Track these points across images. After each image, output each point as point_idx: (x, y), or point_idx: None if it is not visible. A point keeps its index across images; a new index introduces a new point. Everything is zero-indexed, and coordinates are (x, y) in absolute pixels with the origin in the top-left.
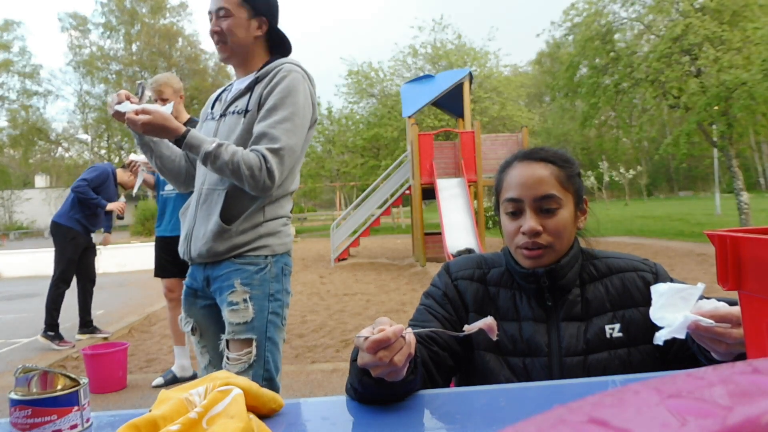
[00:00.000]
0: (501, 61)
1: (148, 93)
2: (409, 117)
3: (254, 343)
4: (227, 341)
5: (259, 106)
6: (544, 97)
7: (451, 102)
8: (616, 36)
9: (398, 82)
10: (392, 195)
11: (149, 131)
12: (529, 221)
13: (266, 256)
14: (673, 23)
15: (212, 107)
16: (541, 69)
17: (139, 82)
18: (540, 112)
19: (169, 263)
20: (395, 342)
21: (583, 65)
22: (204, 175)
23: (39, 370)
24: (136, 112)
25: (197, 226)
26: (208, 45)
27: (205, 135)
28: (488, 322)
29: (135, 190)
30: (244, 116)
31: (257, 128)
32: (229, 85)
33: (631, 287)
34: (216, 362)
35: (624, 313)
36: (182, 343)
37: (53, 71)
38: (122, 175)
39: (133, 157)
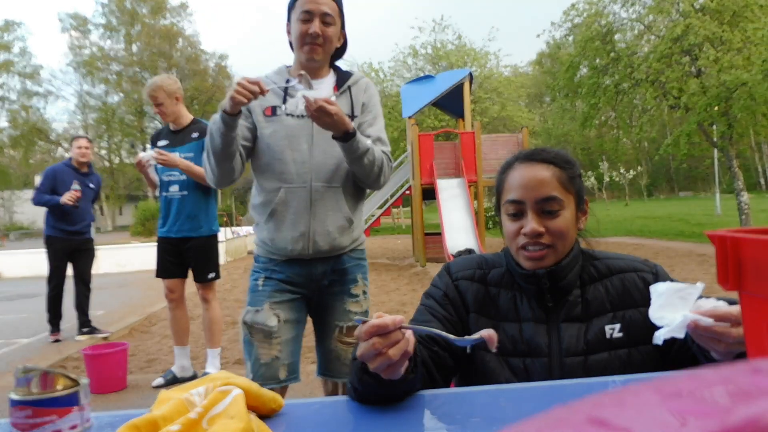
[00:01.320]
0: (501, 62)
1: (313, 86)
2: (410, 117)
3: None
4: (342, 327)
5: (361, 110)
6: (545, 97)
7: (451, 102)
8: (617, 36)
9: (398, 82)
10: (392, 195)
11: (333, 123)
12: (531, 223)
13: (365, 249)
14: (674, 24)
15: (278, 104)
16: (542, 69)
17: (302, 72)
18: (540, 113)
19: (171, 264)
20: (392, 332)
21: (584, 66)
22: (307, 173)
23: (39, 371)
24: (325, 101)
25: (317, 222)
26: (209, 45)
27: (285, 133)
28: (490, 333)
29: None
30: (352, 120)
31: (372, 132)
32: (286, 85)
33: (631, 288)
34: (287, 355)
35: (624, 314)
36: (183, 343)
37: (54, 72)
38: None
39: (142, 155)
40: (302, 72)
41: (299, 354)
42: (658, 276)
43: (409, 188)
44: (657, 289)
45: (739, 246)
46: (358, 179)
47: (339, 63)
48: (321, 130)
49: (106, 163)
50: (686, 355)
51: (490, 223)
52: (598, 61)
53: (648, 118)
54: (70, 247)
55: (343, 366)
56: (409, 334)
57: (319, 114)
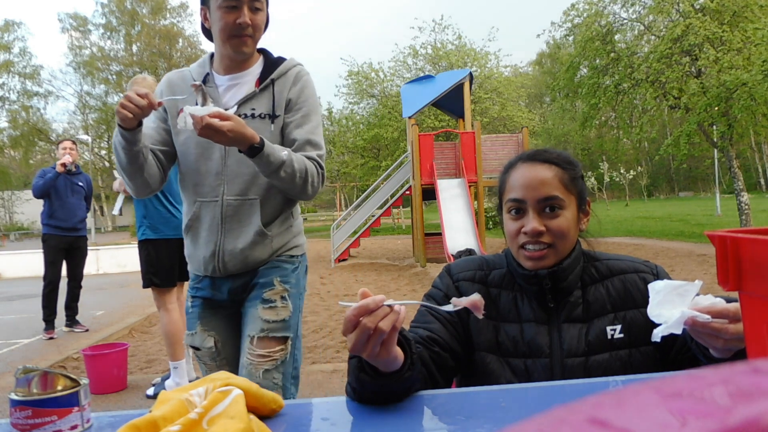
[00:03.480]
0: (501, 62)
1: (209, 98)
2: (410, 117)
3: (289, 342)
4: (252, 338)
5: (286, 108)
6: (545, 97)
7: (451, 102)
8: (617, 36)
9: (398, 82)
10: (392, 195)
11: (229, 139)
12: (532, 222)
13: (298, 256)
14: (674, 24)
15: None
16: (542, 69)
17: (197, 83)
18: (540, 113)
19: None
20: (378, 309)
21: (584, 66)
22: (220, 185)
23: (39, 371)
24: (214, 116)
25: (228, 240)
26: (209, 46)
27: (197, 141)
28: (474, 299)
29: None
30: (273, 121)
31: (299, 134)
32: (206, 77)
33: (632, 288)
34: (238, 370)
35: (625, 315)
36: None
37: (54, 72)
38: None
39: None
40: (197, 83)
41: None
42: (659, 277)
43: (409, 188)
44: (655, 287)
45: (739, 246)
46: (281, 190)
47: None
48: None
49: (106, 163)
50: (686, 355)
51: (491, 223)
52: (598, 61)
53: (648, 119)
54: (65, 244)
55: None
56: (398, 307)
57: (207, 132)
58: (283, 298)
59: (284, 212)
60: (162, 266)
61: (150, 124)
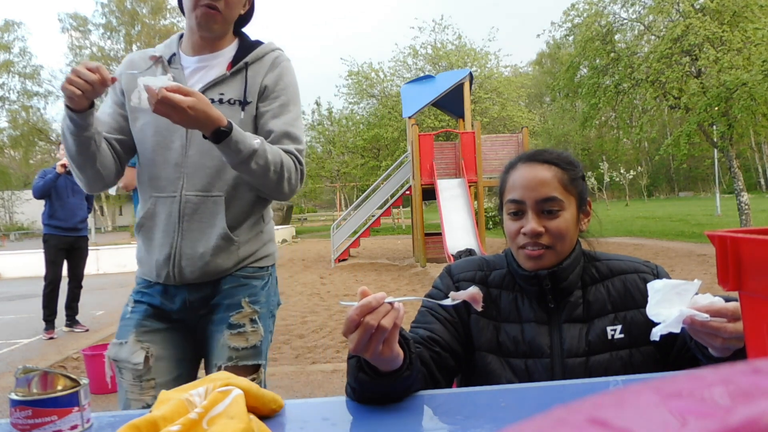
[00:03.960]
0: (501, 62)
1: (169, 72)
2: (410, 117)
3: (261, 370)
4: (219, 368)
5: (260, 96)
6: (545, 97)
7: (451, 102)
8: (617, 36)
9: (398, 82)
10: (392, 195)
11: (190, 119)
12: (531, 222)
13: (268, 267)
14: (674, 24)
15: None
16: (542, 69)
17: (156, 54)
18: (540, 113)
19: None
20: (380, 306)
21: (584, 66)
22: (180, 179)
23: (39, 371)
24: (173, 90)
25: (187, 242)
26: None
27: (155, 127)
28: (473, 292)
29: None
30: (243, 108)
31: (276, 125)
32: (171, 58)
33: (632, 289)
34: None
35: (625, 315)
36: None
37: (54, 72)
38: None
39: None
40: (157, 54)
41: None
42: (659, 277)
43: (409, 188)
44: (654, 286)
45: (739, 246)
46: (253, 187)
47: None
48: None
49: None
50: (687, 355)
51: (491, 223)
52: (598, 61)
53: (648, 119)
54: (65, 244)
55: None
56: (397, 305)
57: (163, 108)
58: (252, 321)
59: (254, 214)
60: None
61: (106, 109)
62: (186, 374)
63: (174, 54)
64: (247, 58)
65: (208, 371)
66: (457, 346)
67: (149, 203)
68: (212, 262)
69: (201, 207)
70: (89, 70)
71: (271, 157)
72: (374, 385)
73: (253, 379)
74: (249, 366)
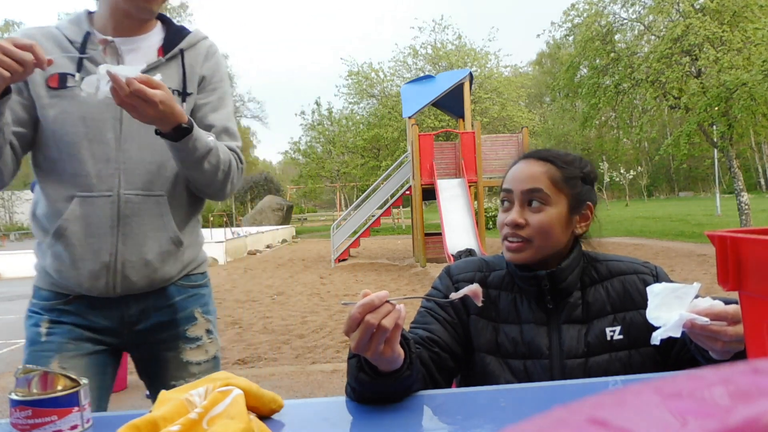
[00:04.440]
0: (501, 62)
1: (124, 59)
2: (410, 117)
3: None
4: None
5: (198, 87)
6: (545, 97)
7: (451, 102)
8: (617, 36)
9: (398, 82)
10: (392, 195)
11: (158, 114)
12: (513, 213)
13: (206, 272)
14: (674, 24)
15: (70, 72)
16: (542, 69)
17: (107, 38)
18: (540, 113)
19: None
20: (381, 306)
21: (584, 66)
22: (114, 175)
23: (39, 371)
24: (142, 83)
25: (128, 249)
26: None
27: (80, 115)
28: (473, 288)
29: None
30: (184, 99)
31: (216, 120)
32: (82, 56)
33: (631, 290)
34: None
35: (625, 316)
36: None
37: None
38: None
39: None
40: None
41: None
42: (659, 278)
43: (409, 188)
44: (653, 290)
45: (739, 246)
46: (193, 186)
47: None
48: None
49: None
50: (687, 357)
51: (490, 223)
52: (598, 61)
53: (648, 119)
54: None
55: None
56: (399, 306)
57: (134, 102)
58: (208, 332)
59: (194, 216)
60: None
61: None
62: (104, 407)
63: (89, 33)
64: (182, 45)
65: (155, 394)
66: (457, 347)
67: (71, 204)
68: (161, 269)
69: (143, 207)
70: (20, 47)
71: (222, 155)
72: (374, 385)
73: None
74: None
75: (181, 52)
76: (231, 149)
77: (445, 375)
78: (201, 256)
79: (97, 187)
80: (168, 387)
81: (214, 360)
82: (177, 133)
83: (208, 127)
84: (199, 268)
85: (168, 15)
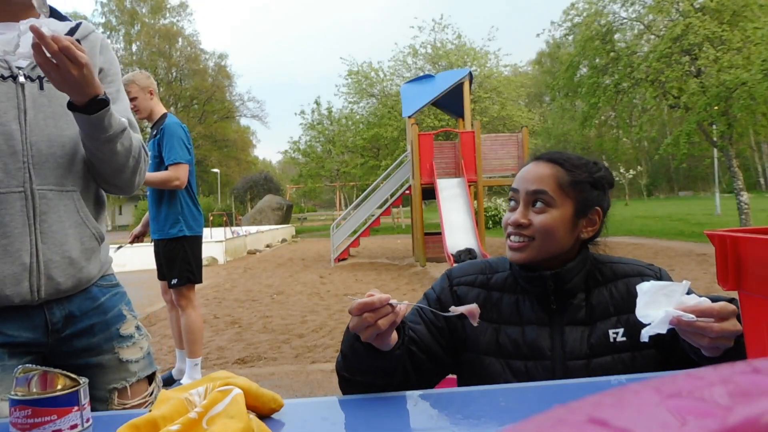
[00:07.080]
0: (501, 61)
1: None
2: (409, 117)
3: (157, 375)
4: (118, 390)
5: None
6: (544, 97)
7: (451, 102)
8: (616, 36)
9: (398, 82)
10: (392, 195)
11: (81, 79)
12: (517, 213)
13: (113, 273)
14: (673, 23)
15: None
16: (541, 69)
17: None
18: (540, 112)
19: (159, 266)
20: (381, 308)
21: (583, 65)
22: (23, 168)
23: (39, 370)
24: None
25: (51, 246)
26: (208, 45)
27: None
28: (471, 308)
29: None
30: None
31: (117, 112)
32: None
33: (635, 292)
34: None
35: (628, 318)
36: (181, 346)
37: None
38: None
39: None
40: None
41: None
42: (663, 280)
43: (409, 188)
44: (642, 288)
45: (739, 246)
46: (101, 178)
47: None
48: (38, 98)
49: None
50: (690, 359)
51: (490, 223)
52: (597, 60)
53: (648, 118)
54: None
55: None
56: (399, 307)
57: (60, 61)
58: (138, 328)
59: (103, 213)
60: (198, 263)
61: None
62: None
63: None
64: (77, 35)
65: (93, 400)
66: (437, 349)
67: None
68: (86, 267)
69: (59, 204)
70: None
71: (134, 141)
72: (366, 358)
73: (151, 392)
74: (148, 376)
75: (78, 42)
76: (139, 140)
77: (420, 375)
78: (110, 255)
79: (5, 182)
80: (108, 392)
81: (149, 356)
82: (94, 104)
83: None
84: (110, 268)
85: (168, 15)
